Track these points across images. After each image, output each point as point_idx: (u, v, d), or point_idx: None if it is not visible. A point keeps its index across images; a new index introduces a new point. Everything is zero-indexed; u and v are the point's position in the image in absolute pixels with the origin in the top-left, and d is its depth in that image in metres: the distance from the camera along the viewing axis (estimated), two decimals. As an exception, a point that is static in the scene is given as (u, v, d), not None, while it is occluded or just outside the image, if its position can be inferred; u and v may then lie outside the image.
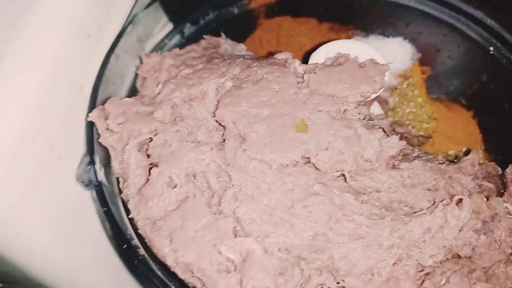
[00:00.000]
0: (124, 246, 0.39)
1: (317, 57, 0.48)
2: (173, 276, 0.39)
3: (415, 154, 0.45)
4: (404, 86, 0.60)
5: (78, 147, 0.48)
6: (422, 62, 0.66)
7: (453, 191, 0.42)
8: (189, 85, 0.46)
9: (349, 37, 0.68)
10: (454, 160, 0.48)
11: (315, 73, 0.43)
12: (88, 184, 0.45)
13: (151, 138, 0.42)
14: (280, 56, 0.48)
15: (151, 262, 0.39)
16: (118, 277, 0.56)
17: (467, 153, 0.56)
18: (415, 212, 0.39)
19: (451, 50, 0.65)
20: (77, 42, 0.47)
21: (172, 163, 0.39)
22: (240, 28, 0.68)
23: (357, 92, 0.42)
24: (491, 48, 0.60)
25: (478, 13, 0.60)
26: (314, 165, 0.39)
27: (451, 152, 0.59)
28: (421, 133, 0.60)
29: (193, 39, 0.64)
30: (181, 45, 0.62)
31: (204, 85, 0.45)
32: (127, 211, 0.45)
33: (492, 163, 0.51)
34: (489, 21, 0.60)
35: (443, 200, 0.39)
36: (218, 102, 0.44)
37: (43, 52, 0.44)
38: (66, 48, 0.46)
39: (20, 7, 0.45)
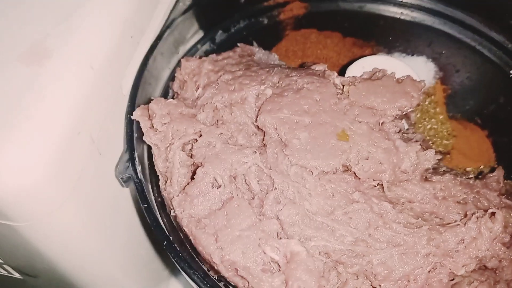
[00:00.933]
0: (165, 243, 0.40)
1: (353, 70, 0.50)
2: (207, 275, 0.41)
3: (444, 169, 0.47)
4: (427, 103, 0.62)
5: (115, 145, 0.50)
6: (442, 81, 0.68)
7: (481, 205, 0.44)
8: (230, 90, 0.47)
9: (373, 53, 0.70)
10: (478, 176, 0.50)
11: (354, 85, 0.45)
12: (126, 180, 0.46)
13: (195, 139, 0.43)
14: (317, 68, 0.50)
15: (190, 259, 0.40)
16: (148, 275, 0.57)
17: (483, 171, 0.58)
18: (448, 223, 0.40)
19: (471, 71, 0.67)
20: (122, 42, 0.49)
21: (216, 164, 0.41)
22: (268, 38, 0.69)
23: (396, 106, 0.44)
24: (511, 72, 0.62)
25: (500, 37, 0.63)
26: (354, 173, 0.41)
27: (469, 169, 0.61)
28: (440, 149, 0.62)
29: (223, 45, 0.65)
30: (212, 51, 0.64)
31: (245, 91, 0.47)
32: (160, 210, 0.46)
33: (510, 182, 0.53)
34: (510, 46, 0.62)
35: (475, 213, 0.41)
36: (259, 108, 0.45)
37: (92, 50, 0.45)
38: (112, 47, 0.47)
39: (72, 4, 0.47)
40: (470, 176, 0.47)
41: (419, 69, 0.65)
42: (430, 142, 0.62)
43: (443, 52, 0.68)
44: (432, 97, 0.64)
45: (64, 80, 0.42)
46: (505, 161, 0.66)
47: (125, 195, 0.52)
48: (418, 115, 0.63)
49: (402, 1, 0.67)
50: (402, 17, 0.68)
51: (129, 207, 0.53)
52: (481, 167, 0.62)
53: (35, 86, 0.41)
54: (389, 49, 0.71)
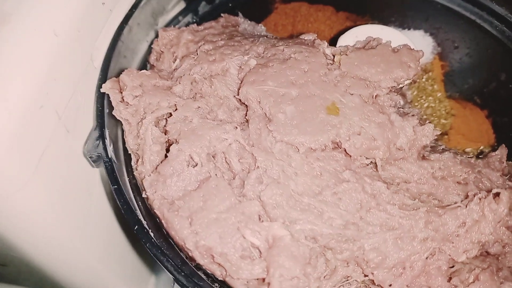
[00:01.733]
0: (135, 228, 0.36)
1: (345, 39, 0.46)
2: (185, 262, 0.37)
3: (443, 147, 0.43)
4: (424, 79, 0.58)
5: (85, 121, 0.45)
6: (440, 57, 0.64)
7: (483, 186, 0.41)
8: (210, 61, 0.43)
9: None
10: (478, 156, 0.46)
11: (346, 55, 0.41)
12: (96, 160, 0.42)
13: (170, 113, 0.39)
14: (306, 37, 0.46)
15: (163, 245, 0.36)
16: (123, 261, 0.53)
17: (484, 151, 0.54)
18: (448, 205, 0.37)
19: (470, 47, 0.63)
20: (92, 8, 0.44)
21: (193, 140, 0.37)
22: (256, 11, 0.65)
23: (391, 77, 0.40)
24: (514, 47, 0.58)
25: (502, 10, 0.59)
26: (344, 150, 0.37)
27: (468, 150, 0.57)
28: (438, 128, 0.58)
29: (207, 18, 0.61)
30: (194, 23, 0.60)
31: (226, 62, 0.42)
32: (135, 192, 0.42)
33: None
34: (513, 18, 0.58)
35: (477, 194, 0.37)
36: (242, 80, 0.41)
37: (56, 15, 0.41)
38: (80, 13, 0.43)
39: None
40: (470, 156, 0.43)
41: (416, 43, 0.61)
42: (427, 121, 0.59)
43: (441, 27, 0.64)
44: (430, 73, 0.60)
45: (24, 47, 0.38)
46: (505, 142, 0.63)
47: (98, 176, 0.48)
48: (415, 93, 0.59)
49: (398, -28, 0.63)
50: (399, -11, 0.64)
51: (102, 190, 0.49)
52: (481, 147, 0.59)
53: (-11, 54, 0.36)
54: (385, 24, 0.67)
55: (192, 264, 0.38)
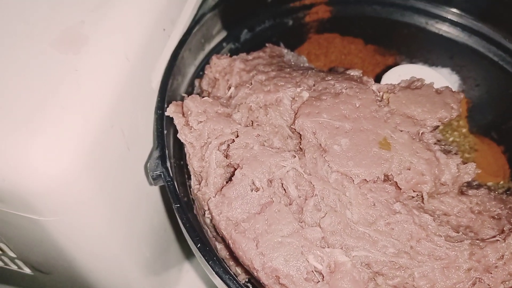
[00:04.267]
0: (198, 246, 0.39)
1: (389, 77, 0.49)
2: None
3: (476, 183, 0.47)
4: (450, 115, 0.62)
5: (143, 140, 0.48)
6: (465, 94, 0.68)
7: (514, 221, 0.44)
8: (265, 91, 0.46)
9: (395, 61, 0.70)
10: (507, 191, 0.50)
11: (394, 93, 0.44)
12: (156, 178, 0.44)
13: (232, 139, 0.42)
14: (353, 73, 0.49)
15: (226, 263, 0.39)
16: (173, 278, 0.55)
17: (510, 187, 0.58)
18: (487, 239, 0.40)
19: (491, 85, 0.67)
20: (155, 33, 0.47)
21: (255, 166, 0.39)
22: (291, 39, 0.68)
23: (436, 116, 0.43)
24: (533, 89, 0.62)
25: (524, 54, 0.63)
26: (395, 183, 0.40)
27: (489, 184, 0.61)
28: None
29: (247, 44, 0.64)
30: (236, 50, 0.63)
31: (280, 93, 0.45)
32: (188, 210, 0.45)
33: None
34: (533, 63, 0.62)
35: (513, 229, 0.40)
36: (296, 111, 0.44)
37: (127, 40, 0.43)
38: (146, 38, 0.46)
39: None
40: (500, 192, 0.46)
41: (444, 80, 0.65)
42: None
43: (465, 65, 0.68)
44: (456, 109, 0.64)
45: (101, 69, 0.40)
46: (520, 178, 0.66)
47: (149, 192, 0.50)
48: (441, 127, 0.63)
49: (428, 11, 0.67)
50: (427, 28, 0.68)
51: (151, 206, 0.52)
52: (501, 182, 0.62)
53: (71, 74, 0.39)
54: (411, 59, 0.71)
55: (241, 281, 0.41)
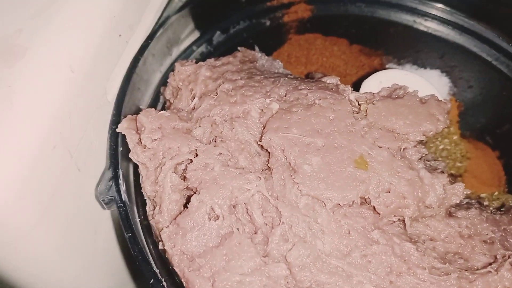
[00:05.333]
0: (151, 282, 0.34)
1: (369, 85, 0.45)
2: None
3: (467, 200, 0.42)
4: (440, 121, 0.57)
5: (98, 159, 0.43)
6: (456, 97, 0.63)
7: (508, 244, 0.39)
8: (231, 102, 0.41)
9: (381, 63, 0.65)
10: (500, 208, 0.45)
11: (373, 104, 0.40)
12: (108, 202, 0.40)
13: (190, 159, 0.37)
14: (329, 80, 0.44)
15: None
16: None
17: (504, 204, 0.53)
18: (478, 269, 0.35)
19: (485, 87, 0.63)
20: (108, 41, 0.42)
21: (214, 191, 0.35)
22: (269, 41, 0.64)
23: (420, 130, 0.39)
24: (530, 91, 0.58)
25: (520, 53, 0.58)
26: (373, 207, 0.36)
27: (483, 195, 0.56)
28: (452, 171, 0.57)
29: (221, 48, 0.59)
30: (208, 53, 0.58)
31: (248, 104, 0.41)
32: (146, 235, 0.40)
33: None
34: (531, 63, 0.58)
35: (507, 257, 0.36)
36: (264, 125, 0.40)
37: (73, 49, 0.39)
38: (97, 46, 0.41)
39: (51, -5, 0.40)
40: (494, 206, 0.42)
41: (432, 83, 0.60)
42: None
43: (456, 65, 0.63)
44: (446, 115, 0.59)
45: (39, 84, 0.36)
46: (517, 184, 0.62)
47: (108, 216, 0.46)
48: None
49: (416, 9, 0.62)
50: (415, 26, 0.63)
51: (112, 230, 0.47)
52: (496, 193, 0.58)
53: (3, 91, 0.34)
54: (399, 59, 0.66)
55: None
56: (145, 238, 0.40)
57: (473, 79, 0.63)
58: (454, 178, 0.59)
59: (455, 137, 0.58)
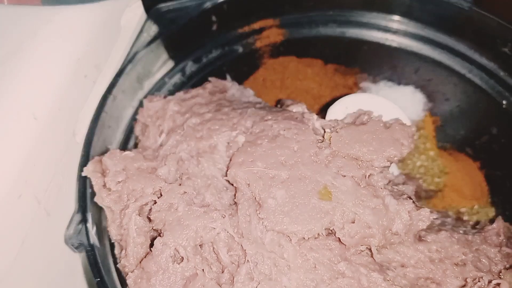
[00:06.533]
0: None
1: (335, 111, 0.45)
2: None
3: (439, 221, 0.42)
4: (416, 138, 0.57)
5: (67, 201, 0.43)
6: (431, 112, 0.63)
7: (481, 265, 0.39)
8: (198, 137, 0.41)
9: (355, 81, 0.65)
10: (475, 225, 0.45)
11: (337, 131, 0.40)
12: (78, 247, 0.40)
13: (154, 200, 0.37)
14: (295, 109, 0.44)
15: None
16: None
17: (480, 221, 0.52)
18: (448, 294, 0.35)
19: (461, 100, 0.63)
20: (73, 83, 0.43)
21: (178, 232, 0.35)
22: (243, 67, 0.64)
23: (383, 156, 0.39)
24: (504, 102, 0.58)
25: (491, 65, 0.58)
26: (338, 238, 0.35)
27: (463, 210, 0.56)
28: (432, 187, 0.57)
29: (194, 77, 0.60)
30: (182, 84, 0.58)
31: (214, 139, 0.41)
32: (122, 278, 0.40)
33: (508, 224, 0.49)
34: (502, 74, 0.58)
35: (477, 280, 0.35)
36: (230, 159, 0.40)
37: (35, 97, 0.39)
38: (61, 91, 0.41)
39: (10, 44, 0.40)
40: (466, 225, 0.42)
41: (407, 100, 0.60)
42: (421, 180, 0.58)
43: (431, 79, 0.64)
44: (422, 131, 0.59)
45: (0, 135, 0.36)
46: (499, 195, 0.62)
47: (80, 260, 0.46)
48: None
49: (386, 26, 0.63)
50: (387, 43, 0.63)
51: (90, 275, 0.47)
52: (476, 206, 0.57)
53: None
54: (374, 76, 0.66)
55: None
56: (119, 279, 0.40)
57: (449, 92, 0.63)
58: (433, 192, 0.59)
59: (431, 153, 0.58)
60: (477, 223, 0.47)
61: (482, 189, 0.62)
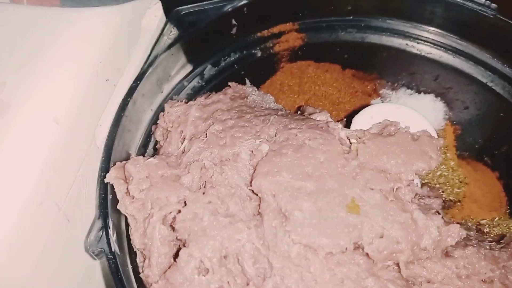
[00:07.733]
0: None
1: (360, 121, 0.44)
2: None
3: (465, 232, 0.41)
4: (438, 148, 0.56)
5: (87, 207, 0.43)
6: (451, 121, 0.62)
7: (509, 282, 0.38)
8: (221, 145, 0.41)
9: (374, 87, 0.64)
10: (500, 241, 0.44)
11: (364, 142, 0.39)
12: (98, 254, 0.39)
13: (178, 209, 0.36)
14: (319, 117, 0.44)
15: None
16: None
17: (505, 235, 0.52)
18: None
19: (481, 109, 0.62)
20: (95, 87, 0.42)
21: (204, 242, 0.34)
22: (261, 71, 0.63)
23: (412, 169, 0.38)
24: (526, 112, 0.57)
25: (514, 74, 0.57)
26: (366, 253, 0.35)
27: (483, 222, 0.55)
28: (451, 197, 0.56)
29: (213, 81, 0.59)
30: (200, 88, 0.58)
31: (237, 147, 0.40)
32: (141, 286, 0.39)
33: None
34: (526, 84, 0.57)
35: (506, 300, 0.35)
36: (254, 168, 0.39)
37: (56, 101, 0.38)
38: (83, 95, 0.41)
39: (33, 47, 0.40)
40: (488, 238, 0.41)
41: (427, 108, 0.60)
42: (440, 191, 0.57)
43: (451, 87, 0.63)
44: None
45: (22, 142, 0.35)
46: (518, 206, 0.61)
47: (100, 266, 0.45)
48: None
49: (407, 32, 0.62)
50: (407, 49, 0.62)
51: (106, 278, 0.46)
52: (496, 218, 0.57)
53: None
54: (392, 83, 0.66)
55: None
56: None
57: (468, 100, 0.62)
58: (452, 203, 0.58)
59: (452, 163, 0.57)
60: (501, 237, 0.46)
61: (501, 199, 0.61)
